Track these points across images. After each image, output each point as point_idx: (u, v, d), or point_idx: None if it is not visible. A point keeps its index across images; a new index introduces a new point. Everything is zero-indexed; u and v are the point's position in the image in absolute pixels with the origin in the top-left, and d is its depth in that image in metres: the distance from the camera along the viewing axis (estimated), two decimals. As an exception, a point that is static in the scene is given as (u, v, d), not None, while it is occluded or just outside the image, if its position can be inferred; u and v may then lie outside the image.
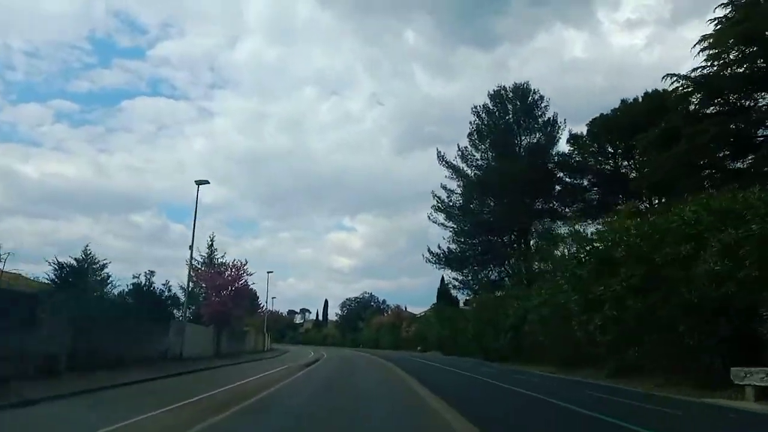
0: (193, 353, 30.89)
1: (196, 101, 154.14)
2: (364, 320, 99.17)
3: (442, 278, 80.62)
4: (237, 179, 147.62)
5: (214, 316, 36.65)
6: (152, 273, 31.27)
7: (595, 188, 42.96)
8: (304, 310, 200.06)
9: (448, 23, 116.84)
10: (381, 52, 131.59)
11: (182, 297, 31.40)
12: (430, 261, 46.21)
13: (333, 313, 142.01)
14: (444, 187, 46.59)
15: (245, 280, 38.78)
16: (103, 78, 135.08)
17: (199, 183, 31.08)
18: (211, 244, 41.69)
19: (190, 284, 39.45)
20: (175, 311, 32.83)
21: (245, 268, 38.96)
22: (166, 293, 31.39)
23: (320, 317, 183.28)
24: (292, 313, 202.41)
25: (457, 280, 45.73)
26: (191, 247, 30.39)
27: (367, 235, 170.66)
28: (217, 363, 28.81)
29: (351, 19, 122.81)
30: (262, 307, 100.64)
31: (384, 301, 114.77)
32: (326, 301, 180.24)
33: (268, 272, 69.94)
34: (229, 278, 38.10)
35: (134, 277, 31.21)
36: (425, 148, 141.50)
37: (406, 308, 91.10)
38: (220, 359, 33.93)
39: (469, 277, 45.18)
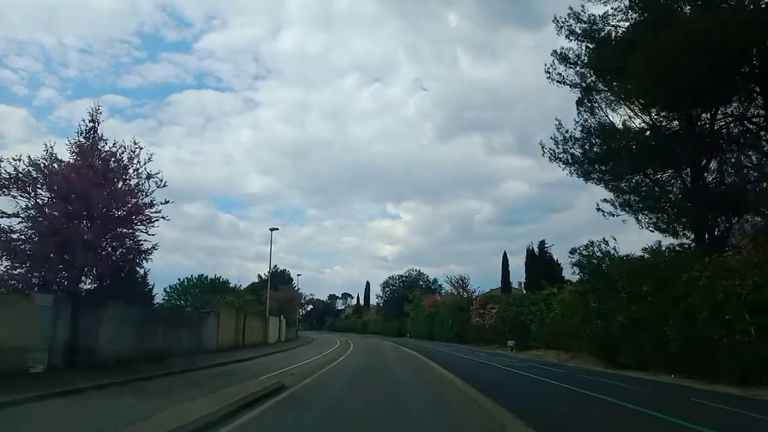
0: None
1: (241, 92, 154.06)
2: (411, 302, 76.04)
3: (504, 255, 56.85)
4: (282, 169, 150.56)
5: (43, 266, 14.36)
6: None
7: None
8: (345, 295, 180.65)
9: (491, 3, 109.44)
10: (423, 36, 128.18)
11: None
12: (556, 158, 22.00)
13: (375, 297, 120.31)
14: (575, 17, 22.18)
15: (128, 183, 16.35)
16: (152, 72, 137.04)
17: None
18: (93, 129, 18.75)
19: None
20: None
21: (136, 156, 16.49)
22: None
23: (361, 302, 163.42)
24: (333, 298, 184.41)
25: (622, 198, 21.17)
26: None
27: (411, 223, 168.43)
28: None
29: (392, 3, 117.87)
30: (298, 290, 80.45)
31: (435, 281, 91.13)
32: (368, 284, 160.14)
33: (272, 229, 47.76)
34: (95, 179, 15.63)
35: None
36: (468, 134, 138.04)
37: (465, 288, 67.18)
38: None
39: (646, 190, 20.51)
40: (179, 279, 49.86)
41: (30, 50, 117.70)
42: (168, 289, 44.30)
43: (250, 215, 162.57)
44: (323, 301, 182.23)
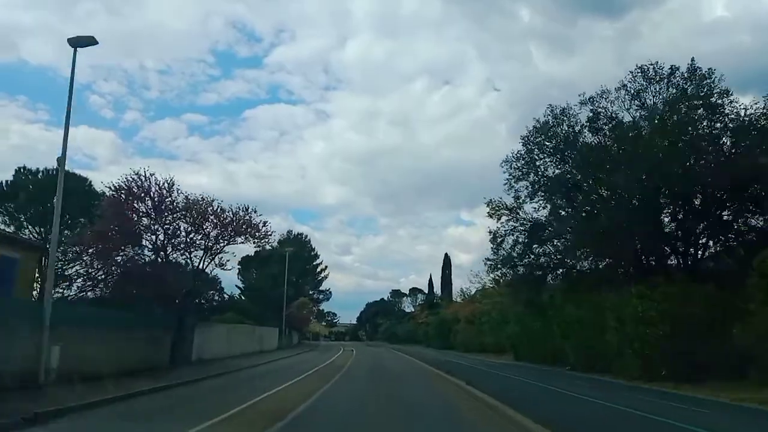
0: None
1: (312, 104, 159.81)
2: None
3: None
4: (355, 178, 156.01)
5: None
6: None
7: None
8: (415, 291, 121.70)
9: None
10: (493, 34, 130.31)
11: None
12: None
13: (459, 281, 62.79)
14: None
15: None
16: (227, 89, 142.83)
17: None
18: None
19: None
20: None
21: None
22: None
23: (437, 289, 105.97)
24: (397, 295, 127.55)
25: None
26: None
27: (486, 230, 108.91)
28: None
29: (459, 3, 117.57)
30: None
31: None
32: (446, 258, 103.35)
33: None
34: None
35: None
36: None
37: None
38: None
39: None
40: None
41: (115, 75, 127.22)
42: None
43: (325, 226, 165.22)
44: (387, 300, 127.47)
